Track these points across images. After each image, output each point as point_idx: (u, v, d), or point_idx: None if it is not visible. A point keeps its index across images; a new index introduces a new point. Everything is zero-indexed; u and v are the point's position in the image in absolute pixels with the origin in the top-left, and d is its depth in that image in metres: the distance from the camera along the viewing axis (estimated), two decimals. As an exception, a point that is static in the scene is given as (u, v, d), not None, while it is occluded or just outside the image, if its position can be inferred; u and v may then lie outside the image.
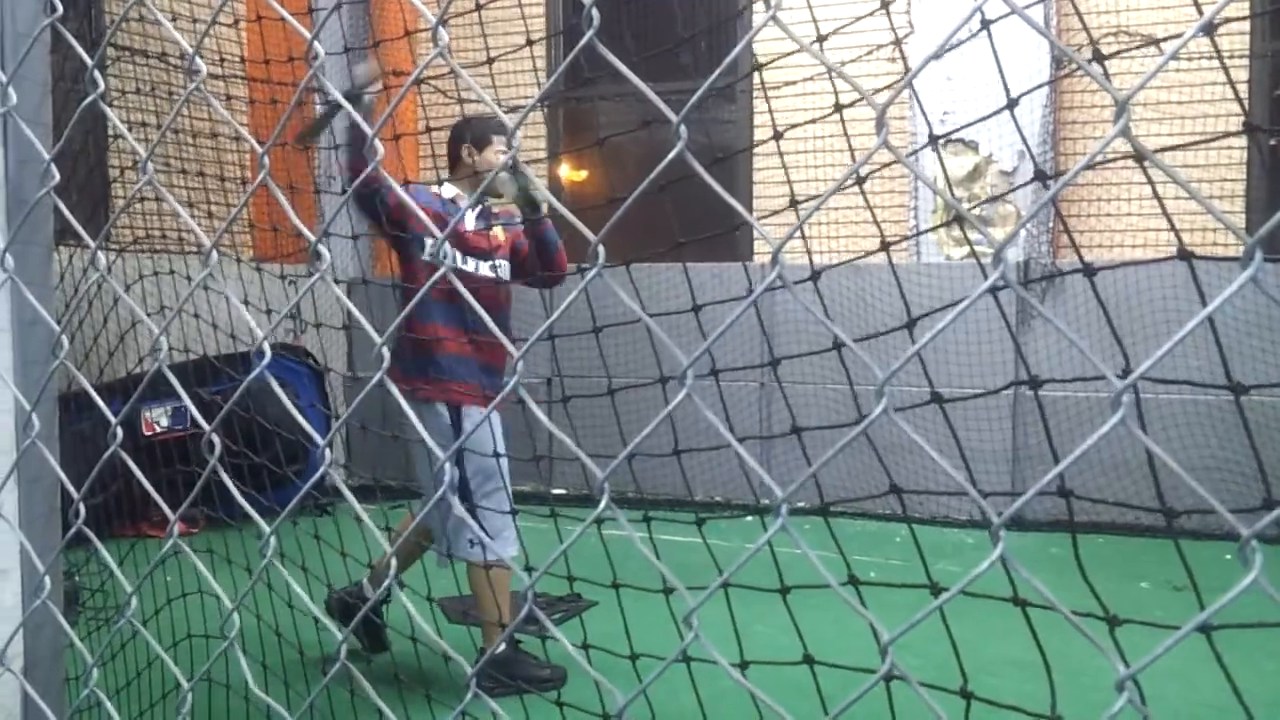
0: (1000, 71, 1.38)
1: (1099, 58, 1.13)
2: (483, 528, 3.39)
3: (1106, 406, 5.79)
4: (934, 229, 4.48)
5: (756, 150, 6.80)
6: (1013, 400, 6.23)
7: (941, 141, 5.56)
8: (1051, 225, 6.28)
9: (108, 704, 1.21)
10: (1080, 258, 1.31)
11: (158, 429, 5.52)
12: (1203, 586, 1.26)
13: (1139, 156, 0.77)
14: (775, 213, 1.86)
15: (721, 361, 2.37)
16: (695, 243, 2.13)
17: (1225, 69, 1.12)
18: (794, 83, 4.46)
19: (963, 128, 1.68)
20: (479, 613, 3.53)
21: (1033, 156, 1.62)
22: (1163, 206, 1.13)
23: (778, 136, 1.81)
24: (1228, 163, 5.92)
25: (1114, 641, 1.25)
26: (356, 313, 0.98)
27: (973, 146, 6.28)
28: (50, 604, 1.22)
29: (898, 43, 4.02)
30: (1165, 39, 5.20)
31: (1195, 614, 0.66)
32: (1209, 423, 5.85)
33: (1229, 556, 5.16)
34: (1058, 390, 5.99)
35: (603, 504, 0.71)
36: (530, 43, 2.70)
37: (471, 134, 3.63)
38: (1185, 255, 1.10)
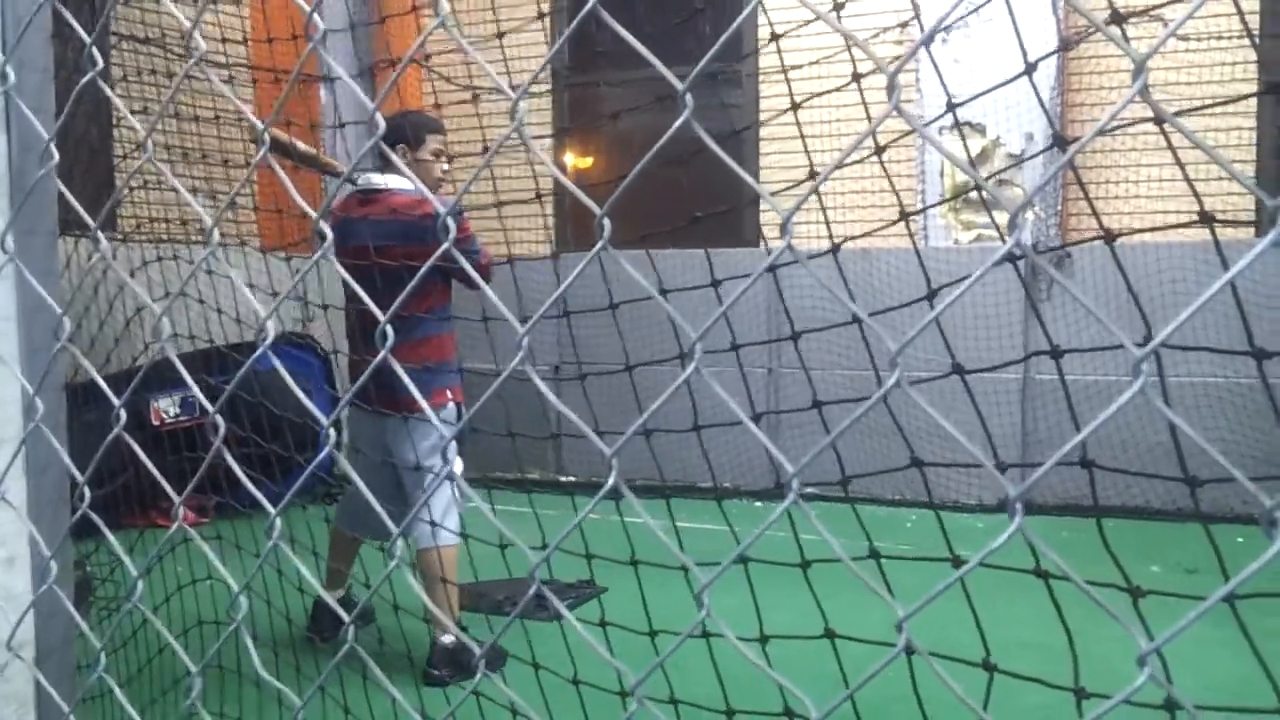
0: (1016, 31, 1.36)
1: (1117, 20, 1.11)
2: (431, 519, 3.54)
3: (1116, 392, 5.77)
4: (948, 200, 4.45)
5: (762, 136, 6.77)
6: (1022, 385, 6.21)
7: (950, 125, 5.52)
8: (1060, 209, 6.24)
9: (117, 691, 1.21)
10: (1100, 222, 1.29)
11: (166, 419, 5.53)
12: (1214, 569, 1.24)
13: (1158, 120, 0.75)
14: (786, 188, 1.84)
15: (728, 347, 2.36)
16: (700, 229, 2.12)
17: (1243, 20, 1.10)
18: (799, 66, 4.44)
19: (978, 95, 1.65)
20: (435, 598, 3.59)
21: (1051, 119, 1.60)
22: (1183, 169, 1.11)
23: (795, 108, 1.80)
24: (1237, 144, 5.88)
25: (1125, 620, 1.24)
26: (379, 311, 0.97)
27: (980, 129, 6.24)
28: (58, 590, 1.22)
29: (915, 22, 3.99)
30: (1172, 16, 5.16)
31: (1206, 598, 0.65)
32: (1219, 406, 5.83)
33: (1240, 540, 5.14)
34: (1068, 374, 5.97)
35: (611, 479, 0.70)
36: (541, 15, 2.68)
37: (411, 133, 3.67)
38: (1207, 219, 1.09)
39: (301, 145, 3.68)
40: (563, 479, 6.82)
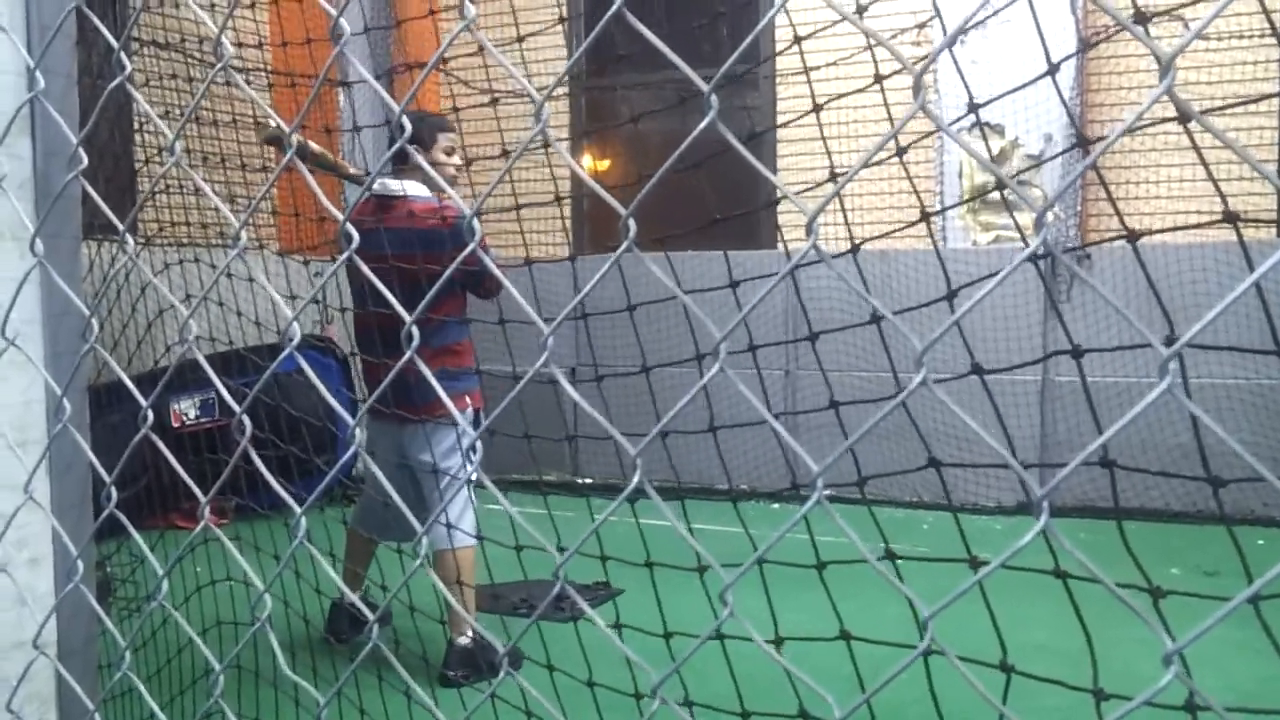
0: (1038, 29, 1.36)
1: (1141, 19, 1.11)
2: (448, 522, 3.55)
3: (1136, 394, 5.73)
4: (967, 201, 4.44)
5: (779, 138, 6.77)
6: (1041, 386, 6.19)
7: (970, 126, 5.51)
8: (1080, 210, 6.22)
9: (140, 687, 1.22)
10: (1122, 222, 1.29)
11: (186, 421, 5.56)
12: (1235, 572, 1.24)
13: (1183, 119, 0.75)
14: (806, 189, 1.84)
15: (747, 348, 2.36)
16: (718, 232, 2.12)
17: (1269, 19, 1.10)
18: (818, 68, 4.45)
19: (1001, 96, 1.65)
20: (454, 600, 3.59)
21: (1074, 120, 1.60)
22: (1207, 169, 1.10)
23: (817, 110, 1.80)
24: (1259, 144, 5.84)
25: (1150, 621, 1.24)
26: (404, 316, 0.98)
27: (998, 130, 6.22)
28: (83, 588, 1.23)
29: (933, 23, 3.98)
30: (1194, 19, 5.14)
31: (1229, 599, 0.64)
32: (1240, 410, 5.78)
33: (1261, 542, 5.11)
34: (1087, 377, 5.94)
35: (635, 479, 0.71)
36: (562, 20, 2.69)
37: (425, 133, 3.66)
38: (1232, 218, 1.08)
39: (315, 147, 3.69)
40: (580, 481, 6.82)
